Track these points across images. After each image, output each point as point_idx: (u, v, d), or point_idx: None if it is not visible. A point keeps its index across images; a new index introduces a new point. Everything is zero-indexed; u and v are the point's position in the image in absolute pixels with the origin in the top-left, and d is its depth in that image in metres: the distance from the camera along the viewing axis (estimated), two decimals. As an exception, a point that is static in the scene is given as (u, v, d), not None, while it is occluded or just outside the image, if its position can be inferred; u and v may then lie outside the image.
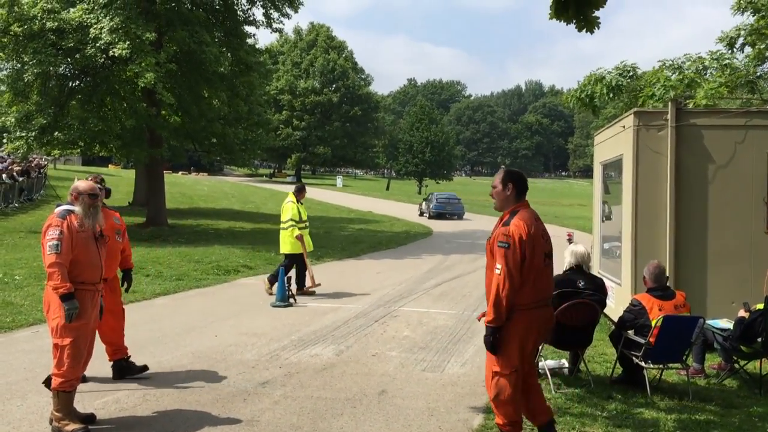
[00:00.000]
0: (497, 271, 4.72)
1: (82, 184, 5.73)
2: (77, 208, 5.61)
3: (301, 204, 12.56)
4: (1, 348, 7.91)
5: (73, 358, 5.36)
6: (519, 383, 4.87)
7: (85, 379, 6.39)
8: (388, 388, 6.79)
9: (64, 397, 5.36)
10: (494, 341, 4.74)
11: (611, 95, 13.77)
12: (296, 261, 12.21)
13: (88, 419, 5.52)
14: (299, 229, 12.16)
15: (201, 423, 5.66)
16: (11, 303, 10.24)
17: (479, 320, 5.29)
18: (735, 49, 12.73)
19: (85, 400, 6.09)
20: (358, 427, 5.68)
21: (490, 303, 4.74)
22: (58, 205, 5.73)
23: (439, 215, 36.83)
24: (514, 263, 4.68)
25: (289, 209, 12.29)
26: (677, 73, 12.72)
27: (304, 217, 12.50)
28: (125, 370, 6.85)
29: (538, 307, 4.86)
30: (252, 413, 5.95)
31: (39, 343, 8.16)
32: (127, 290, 7.24)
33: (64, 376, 5.34)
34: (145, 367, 6.93)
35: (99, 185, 6.42)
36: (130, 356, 6.93)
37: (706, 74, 12.47)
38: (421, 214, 39.16)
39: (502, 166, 5.36)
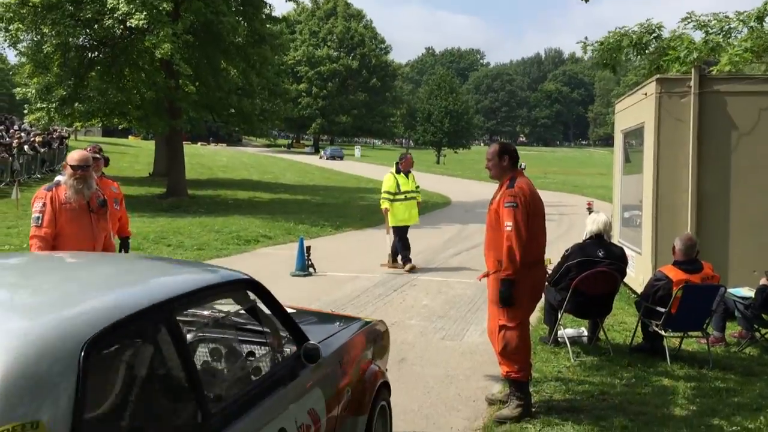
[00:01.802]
0: (508, 228, 5.05)
1: (72, 153, 5.60)
2: (64, 179, 5.49)
3: (407, 174, 12.05)
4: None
5: None
6: (526, 335, 5.26)
7: None
8: (408, 356, 6.85)
9: None
10: (510, 294, 5.06)
11: (635, 52, 13.26)
12: (400, 234, 11.89)
13: None
14: (399, 201, 11.81)
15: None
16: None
17: (480, 280, 5.61)
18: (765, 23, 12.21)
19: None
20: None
21: (506, 257, 5.05)
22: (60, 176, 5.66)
23: (331, 158, 65.08)
24: (522, 220, 5.06)
25: (385, 181, 12.02)
26: (703, 33, 12.29)
27: (405, 188, 11.96)
28: None
29: (535, 265, 5.25)
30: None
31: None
32: None
33: None
34: None
35: (97, 155, 6.49)
36: None
37: (731, 37, 12.06)
38: (321, 157, 65.71)
39: (495, 140, 5.53)
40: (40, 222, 5.34)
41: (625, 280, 9.08)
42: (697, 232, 8.64)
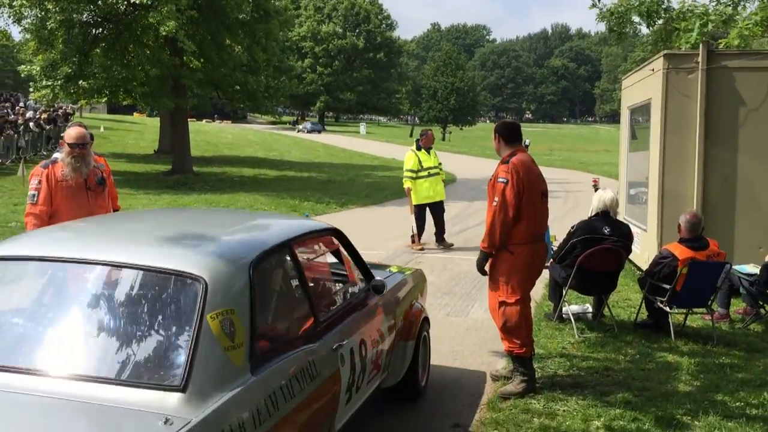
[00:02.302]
0: (494, 203, 5.13)
1: (69, 131, 5.49)
2: (61, 156, 5.45)
3: (428, 150, 11.80)
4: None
5: None
6: (527, 311, 5.28)
7: None
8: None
9: None
10: (482, 265, 5.28)
11: (646, 17, 12.96)
12: (419, 212, 11.67)
13: None
14: (422, 178, 11.63)
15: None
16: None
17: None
18: None
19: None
20: (383, 369, 5.79)
21: (486, 230, 5.19)
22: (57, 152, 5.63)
23: (310, 131, 67.66)
24: (510, 197, 5.06)
25: (407, 159, 11.85)
26: (714, 2, 12.04)
27: (428, 164, 11.70)
28: None
29: (536, 241, 5.25)
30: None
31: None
32: None
33: None
34: None
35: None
36: None
37: (739, 6, 11.81)
38: (298, 131, 68.45)
39: (501, 117, 5.55)
40: (35, 199, 5.31)
41: (631, 257, 9.08)
42: (703, 210, 8.62)
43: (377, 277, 4.56)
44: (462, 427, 4.72)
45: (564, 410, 4.95)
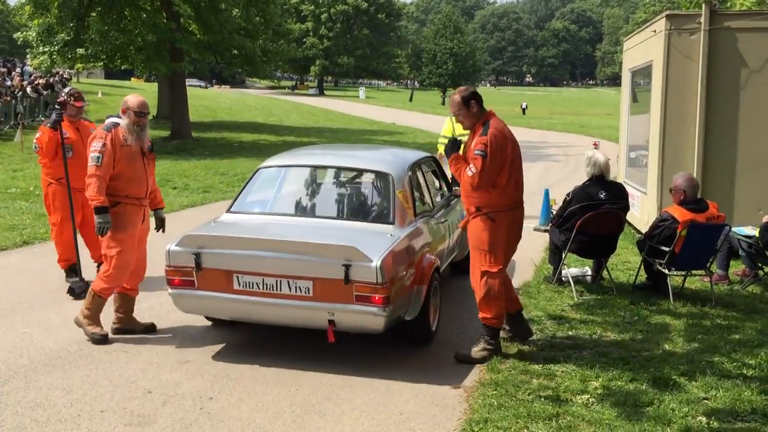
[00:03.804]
0: (469, 173, 5.07)
1: (132, 99, 5.63)
2: (123, 122, 5.57)
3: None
4: (36, 258, 8.16)
5: (117, 268, 5.50)
6: (507, 279, 5.35)
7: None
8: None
9: (97, 301, 5.54)
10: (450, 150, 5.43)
11: None
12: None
13: (149, 329, 5.76)
14: None
15: (232, 327, 5.84)
16: (43, 214, 10.43)
17: (461, 228, 5.73)
18: None
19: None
20: (377, 345, 5.85)
21: (458, 177, 5.28)
22: (108, 117, 5.73)
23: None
24: (488, 169, 5.02)
25: (443, 125, 11.34)
26: None
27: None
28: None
29: (517, 207, 5.30)
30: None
31: (73, 253, 8.39)
32: None
33: (106, 283, 5.52)
34: None
35: (81, 99, 7.00)
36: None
37: None
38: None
39: (460, 89, 5.44)
40: (100, 161, 5.38)
41: (630, 219, 9.12)
42: (703, 172, 8.63)
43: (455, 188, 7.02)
44: (462, 387, 4.78)
45: (562, 371, 5.00)
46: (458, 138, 5.34)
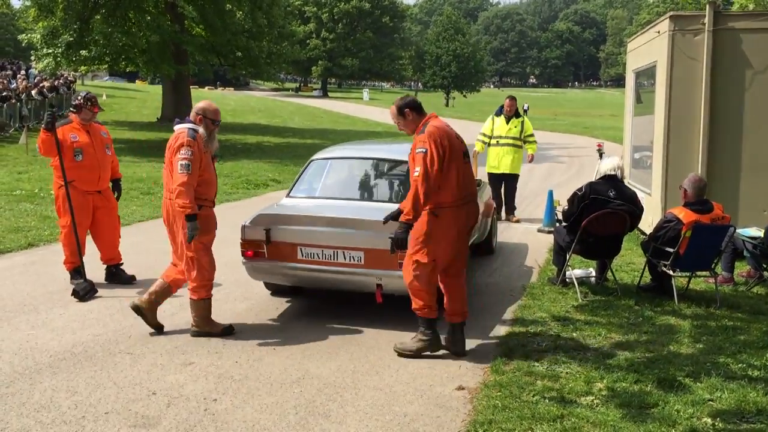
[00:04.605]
0: (416, 174, 5.07)
1: (209, 108, 5.78)
2: (201, 130, 5.64)
3: (508, 118, 11.17)
4: (41, 260, 8.17)
5: (205, 270, 5.65)
6: (435, 274, 5.26)
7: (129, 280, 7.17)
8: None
9: (201, 305, 5.67)
10: (404, 238, 5.08)
11: None
12: (493, 183, 11.03)
13: (159, 327, 5.82)
14: (492, 145, 11.14)
15: (236, 329, 5.85)
16: (48, 217, 10.49)
17: (384, 224, 5.41)
18: None
19: (125, 308, 6.31)
20: (382, 334, 5.85)
21: (410, 202, 5.05)
22: (177, 122, 5.79)
23: None
24: (431, 165, 5.03)
25: (485, 123, 11.43)
26: None
27: (499, 132, 11.12)
28: (115, 276, 7.21)
29: (464, 203, 5.27)
30: (284, 321, 6.15)
31: (77, 255, 8.41)
32: (117, 199, 7.50)
33: (199, 285, 5.63)
34: (133, 278, 7.27)
35: (92, 102, 7.06)
36: (122, 263, 7.35)
37: None
38: None
39: (404, 97, 5.53)
40: (190, 169, 5.42)
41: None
42: (708, 174, 8.60)
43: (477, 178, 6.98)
44: (466, 389, 4.77)
45: (567, 372, 4.99)
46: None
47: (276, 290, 6.86)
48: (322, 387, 4.76)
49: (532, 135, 11.47)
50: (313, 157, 7.25)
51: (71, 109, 7.10)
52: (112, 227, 7.33)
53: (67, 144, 6.91)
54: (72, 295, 6.68)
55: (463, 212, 5.29)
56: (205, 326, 5.70)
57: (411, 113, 5.36)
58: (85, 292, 6.63)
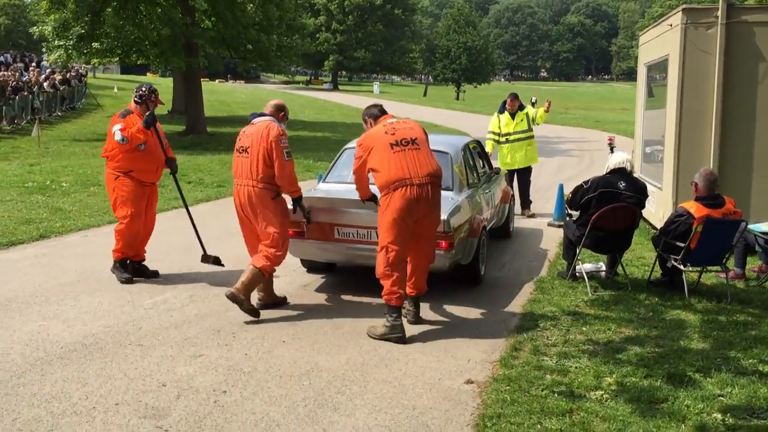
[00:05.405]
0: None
1: (278, 104, 6.49)
2: (282, 125, 6.21)
3: (513, 115, 11.22)
4: (53, 251, 8.22)
5: (286, 249, 6.19)
6: (398, 259, 5.60)
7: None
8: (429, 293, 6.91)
9: (258, 277, 5.98)
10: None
11: None
12: (518, 178, 11.25)
13: (283, 301, 6.40)
14: (501, 143, 11.22)
15: (245, 322, 5.88)
16: (60, 209, 10.56)
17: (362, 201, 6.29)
18: None
19: (135, 300, 6.35)
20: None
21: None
22: (255, 115, 6.25)
23: None
24: (355, 164, 6.01)
25: (491, 120, 11.50)
26: None
27: (506, 129, 11.22)
28: (138, 272, 7.17)
29: (394, 189, 5.61)
30: (294, 314, 6.17)
31: (90, 246, 8.46)
32: (174, 172, 7.50)
33: (272, 262, 6.03)
34: (156, 273, 7.21)
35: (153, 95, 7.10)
36: (144, 260, 7.27)
37: None
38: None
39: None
40: (290, 156, 6.06)
41: (645, 215, 9.05)
42: (719, 168, 8.55)
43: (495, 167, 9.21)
44: (475, 383, 4.77)
45: (576, 367, 4.98)
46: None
47: (311, 267, 7.44)
48: (332, 379, 4.78)
49: (529, 128, 11.42)
50: (346, 146, 7.83)
51: (135, 99, 7.03)
52: (150, 222, 7.28)
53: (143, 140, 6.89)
54: (123, 282, 6.88)
55: (398, 195, 5.61)
56: (245, 295, 5.90)
57: (370, 121, 6.23)
58: (125, 281, 6.88)
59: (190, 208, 7.55)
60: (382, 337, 5.52)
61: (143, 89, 7.11)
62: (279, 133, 6.02)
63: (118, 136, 6.78)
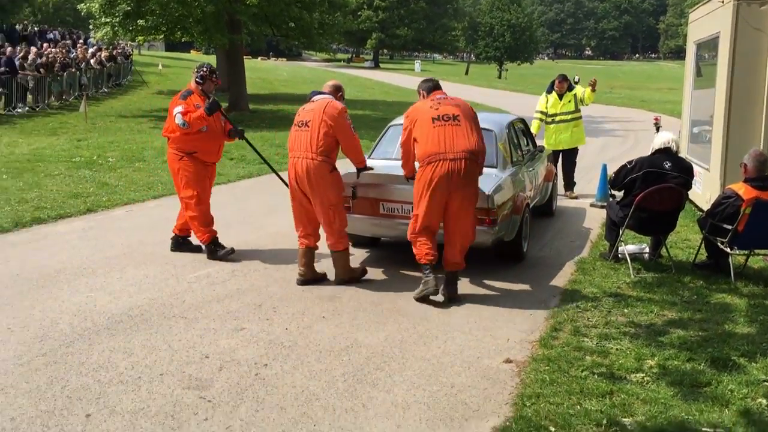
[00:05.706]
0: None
1: (337, 84, 6.65)
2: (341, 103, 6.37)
3: (561, 95, 11.05)
4: (99, 225, 8.40)
5: (346, 222, 6.43)
6: (423, 227, 5.92)
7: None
8: (467, 270, 6.89)
9: (347, 254, 6.39)
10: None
11: None
12: (562, 159, 11.15)
13: (323, 277, 6.50)
14: (548, 123, 11.08)
15: (286, 297, 5.95)
16: (107, 183, 10.77)
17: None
18: None
19: (179, 274, 6.46)
20: (430, 307, 5.86)
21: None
22: (315, 93, 6.45)
23: None
24: (402, 136, 6.20)
25: (540, 100, 11.41)
26: None
27: (553, 110, 11.07)
28: (182, 246, 7.29)
29: (429, 163, 5.79)
30: (334, 290, 6.21)
31: (135, 221, 8.63)
32: (242, 137, 7.52)
33: (344, 237, 6.35)
34: (199, 248, 7.23)
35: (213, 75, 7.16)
36: (189, 236, 7.31)
37: None
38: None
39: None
40: (356, 131, 6.35)
41: (692, 197, 8.89)
42: (770, 148, 8.31)
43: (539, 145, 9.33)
44: (514, 362, 4.77)
45: (617, 349, 4.94)
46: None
47: (356, 242, 7.44)
48: (370, 356, 4.81)
49: (576, 110, 11.17)
50: (391, 123, 7.89)
51: (197, 80, 7.01)
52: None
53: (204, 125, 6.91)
54: (220, 258, 6.96)
55: (428, 168, 5.81)
56: (348, 274, 6.35)
57: (422, 92, 6.38)
58: (230, 252, 7.02)
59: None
60: (419, 296, 5.85)
61: (204, 69, 7.09)
62: (343, 108, 6.22)
63: (179, 120, 6.78)
